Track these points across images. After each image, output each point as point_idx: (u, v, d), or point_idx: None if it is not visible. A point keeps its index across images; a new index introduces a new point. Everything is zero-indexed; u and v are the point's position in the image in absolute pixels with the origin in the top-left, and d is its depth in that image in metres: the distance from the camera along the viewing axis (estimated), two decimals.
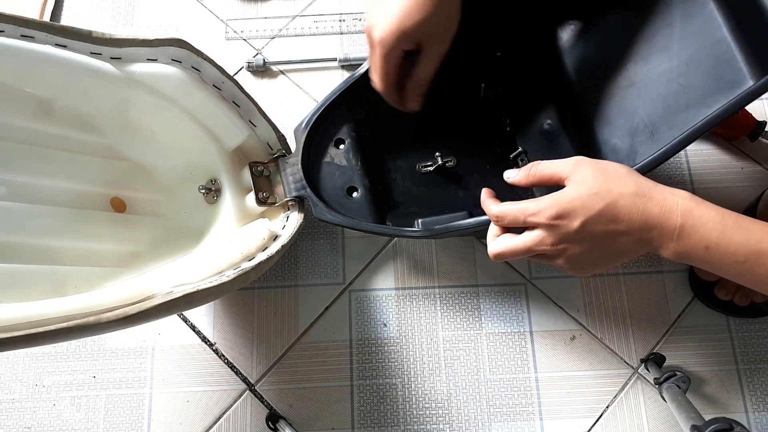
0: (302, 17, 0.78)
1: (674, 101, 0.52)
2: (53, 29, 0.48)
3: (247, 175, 0.60)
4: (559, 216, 0.38)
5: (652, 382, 0.61)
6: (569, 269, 0.42)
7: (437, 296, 0.66)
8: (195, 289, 0.44)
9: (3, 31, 0.46)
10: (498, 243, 0.43)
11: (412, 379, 0.64)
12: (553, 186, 0.42)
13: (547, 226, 0.39)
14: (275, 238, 0.57)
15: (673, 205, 0.37)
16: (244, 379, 0.64)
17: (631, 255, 0.40)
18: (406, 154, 0.65)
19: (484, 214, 0.51)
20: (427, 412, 0.63)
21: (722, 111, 0.44)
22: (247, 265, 0.50)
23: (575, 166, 0.39)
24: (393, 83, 0.51)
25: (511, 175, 0.46)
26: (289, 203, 0.61)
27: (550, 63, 0.64)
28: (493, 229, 0.45)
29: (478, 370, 0.64)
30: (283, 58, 0.75)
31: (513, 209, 0.42)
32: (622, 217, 0.37)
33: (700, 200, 0.38)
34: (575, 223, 0.38)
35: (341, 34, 0.77)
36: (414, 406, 0.63)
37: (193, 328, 0.66)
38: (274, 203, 0.60)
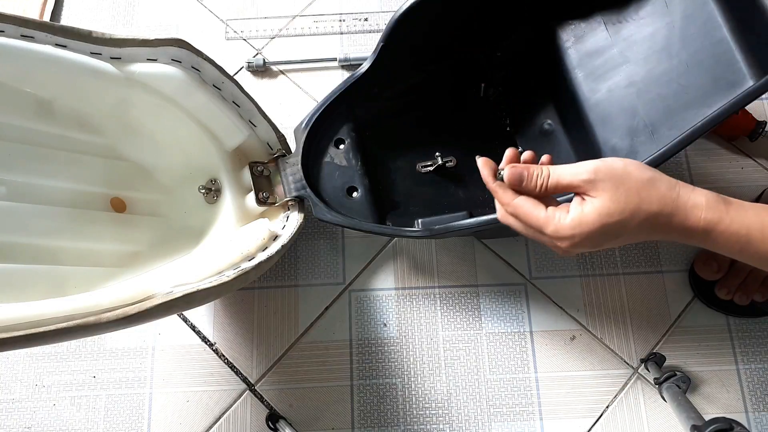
0: (302, 17, 0.78)
1: (674, 101, 0.52)
2: (53, 29, 0.48)
3: (247, 175, 0.60)
4: (576, 244, 0.36)
5: (652, 382, 0.61)
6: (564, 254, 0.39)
7: (437, 296, 0.66)
8: (195, 289, 0.44)
9: (3, 31, 0.46)
10: (507, 219, 0.40)
11: (412, 379, 0.64)
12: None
13: (560, 242, 0.37)
14: (275, 238, 0.57)
15: (696, 221, 0.34)
16: (244, 379, 0.64)
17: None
18: (406, 154, 0.65)
19: (484, 214, 0.51)
20: (427, 412, 0.63)
21: (722, 111, 0.44)
22: (247, 265, 0.50)
23: (592, 182, 0.35)
24: None
25: (515, 180, 0.38)
26: (289, 203, 0.61)
27: (550, 63, 0.64)
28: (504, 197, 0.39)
29: (478, 370, 0.64)
30: (283, 58, 0.75)
31: (529, 216, 0.37)
32: (641, 236, 0.36)
33: (725, 210, 0.34)
34: (590, 243, 0.36)
35: (341, 34, 0.77)
36: (414, 406, 0.63)
37: (193, 328, 0.66)
38: (274, 203, 0.60)
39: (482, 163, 0.40)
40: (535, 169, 0.37)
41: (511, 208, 0.38)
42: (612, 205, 0.34)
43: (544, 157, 0.40)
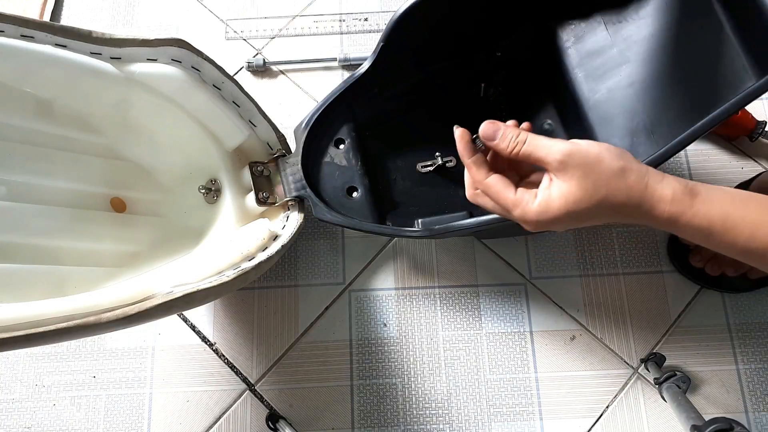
0: (302, 17, 0.78)
1: (674, 101, 0.52)
2: (53, 29, 0.48)
3: (247, 175, 0.60)
4: (541, 226, 0.37)
5: (652, 382, 0.61)
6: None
7: (437, 296, 0.66)
8: (195, 289, 0.44)
9: (3, 31, 0.46)
10: (476, 198, 0.40)
11: (412, 379, 0.64)
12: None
13: (526, 225, 0.38)
14: (275, 238, 0.57)
15: (660, 213, 0.35)
16: (244, 379, 0.64)
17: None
18: (406, 154, 0.65)
19: (484, 214, 0.51)
20: (427, 412, 0.63)
21: (722, 111, 0.44)
22: (247, 265, 0.50)
23: (563, 164, 0.35)
24: None
25: (489, 134, 0.38)
26: (289, 203, 0.61)
27: (550, 63, 0.64)
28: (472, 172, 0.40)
29: (478, 370, 0.64)
30: (283, 58, 0.75)
31: (499, 196, 0.38)
32: (607, 220, 0.37)
33: (690, 204, 0.35)
34: (555, 227, 0.37)
35: (341, 34, 0.77)
36: (414, 406, 0.63)
37: (193, 328, 0.66)
38: (274, 203, 0.60)
39: (459, 135, 0.40)
40: (512, 131, 0.38)
41: (482, 185, 0.38)
42: (579, 192, 0.34)
43: (524, 124, 0.40)
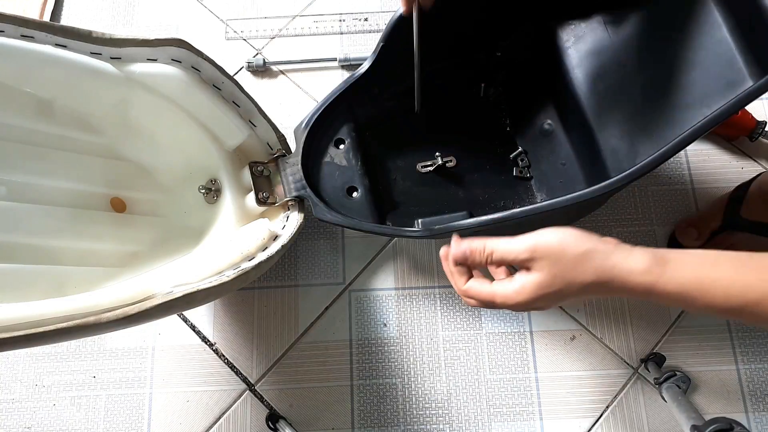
0: (302, 17, 0.78)
1: (674, 101, 0.52)
2: (53, 29, 0.48)
3: (247, 175, 0.60)
4: (521, 308, 0.40)
5: (652, 382, 0.61)
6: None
7: (437, 296, 0.66)
8: (195, 289, 0.44)
9: (3, 31, 0.46)
10: (466, 300, 0.44)
11: (412, 379, 0.64)
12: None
13: (510, 308, 0.42)
14: (275, 238, 0.57)
15: (634, 286, 0.37)
16: (244, 379, 0.64)
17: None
18: (406, 154, 0.65)
19: (484, 214, 0.51)
20: (427, 412, 0.63)
21: (722, 111, 0.44)
22: (247, 265, 0.50)
23: (530, 258, 0.39)
24: None
25: (460, 259, 0.42)
26: (289, 203, 0.61)
27: (550, 63, 0.64)
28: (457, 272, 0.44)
29: (478, 370, 0.64)
30: (283, 58, 0.75)
31: (480, 294, 0.42)
32: (585, 298, 0.40)
33: (661, 273, 0.37)
34: (535, 307, 0.40)
35: (341, 34, 0.77)
36: (414, 406, 0.63)
37: (193, 328, 0.66)
38: (274, 203, 0.60)
39: (443, 256, 0.44)
40: (476, 247, 0.42)
41: (464, 292, 0.43)
42: (548, 278, 0.38)
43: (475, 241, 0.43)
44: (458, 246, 0.42)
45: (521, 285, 0.39)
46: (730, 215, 0.62)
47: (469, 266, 0.43)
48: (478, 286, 0.42)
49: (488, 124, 0.68)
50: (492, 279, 0.43)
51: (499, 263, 0.41)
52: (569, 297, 0.39)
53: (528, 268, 0.39)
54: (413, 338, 0.65)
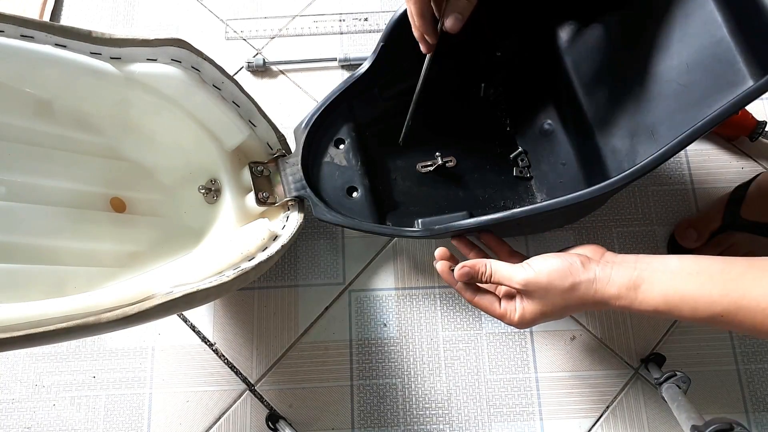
0: (302, 17, 0.78)
1: (674, 101, 0.52)
2: (53, 29, 0.48)
3: (247, 175, 0.60)
4: (527, 325, 0.48)
5: (652, 382, 0.61)
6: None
7: (437, 296, 0.66)
8: (195, 289, 0.44)
9: (3, 31, 0.46)
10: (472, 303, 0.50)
11: (412, 379, 0.64)
12: None
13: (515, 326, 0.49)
14: (275, 238, 0.57)
15: (614, 307, 0.44)
16: (244, 379, 0.64)
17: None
18: (406, 154, 0.65)
19: (484, 214, 0.51)
20: (427, 412, 0.63)
21: (722, 111, 0.44)
22: (247, 265, 0.50)
23: (525, 291, 0.46)
24: (430, 18, 0.51)
25: (466, 277, 0.48)
26: (289, 203, 0.61)
27: (550, 63, 0.64)
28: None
29: (478, 370, 0.64)
30: (283, 58, 0.75)
31: (488, 310, 0.49)
32: (578, 312, 0.47)
33: (634, 297, 0.43)
34: (537, 323, 0.47)
35: (341, 34, 0.77)
36: (414, 406, 0.63)
37: (193, 328, 0.66)
38: (274, 203, 0.60)
39: (440, 269, 0.51)
40: (480, 267, 0.48)
41: (473, 303, 0.49)
42: (541, 306, 0.46)
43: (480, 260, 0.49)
44: (462, 269, 0.48)
45: (521, 314, 0.47)
46: (730, 215, 0.62)
47: (477, 283, 0.49)
48: (487, 304, 0.49)
49: (488, 124, 0.68)
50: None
51: (497, 284, 0.48)
52: (566, 316, 0.47)
53: (523, 296, 0.46)
54: (413, 338, 0.65)
